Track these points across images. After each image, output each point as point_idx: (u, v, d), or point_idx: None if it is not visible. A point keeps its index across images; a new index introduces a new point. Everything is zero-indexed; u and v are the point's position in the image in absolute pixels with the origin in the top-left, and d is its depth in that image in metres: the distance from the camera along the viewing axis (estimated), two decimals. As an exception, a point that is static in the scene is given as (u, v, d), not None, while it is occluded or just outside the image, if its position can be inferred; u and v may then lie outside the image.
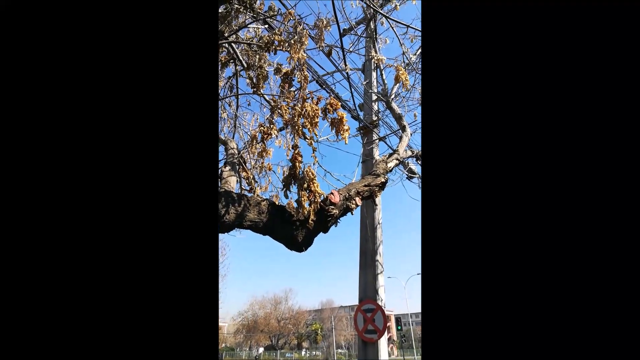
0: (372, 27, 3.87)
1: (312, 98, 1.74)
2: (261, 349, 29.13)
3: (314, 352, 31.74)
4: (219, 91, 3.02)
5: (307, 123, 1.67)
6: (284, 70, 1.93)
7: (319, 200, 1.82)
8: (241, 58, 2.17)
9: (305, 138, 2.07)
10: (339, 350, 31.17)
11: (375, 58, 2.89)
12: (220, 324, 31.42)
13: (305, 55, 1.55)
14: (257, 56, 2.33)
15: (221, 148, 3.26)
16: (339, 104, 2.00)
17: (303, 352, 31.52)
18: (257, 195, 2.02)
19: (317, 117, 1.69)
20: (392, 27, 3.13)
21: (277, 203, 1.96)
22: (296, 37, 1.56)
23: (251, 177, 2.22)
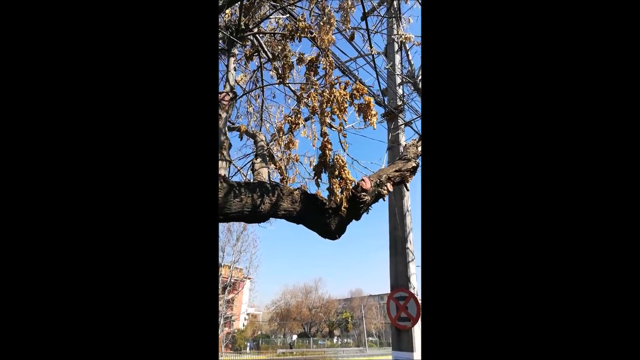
0: (396, 5, 3.70)
1: (340, 83, 1.71)
2: (295, 336, 30.14)
3: (345, 340, 32.28)
4: (245, 85, 3.07)
5: (335, 109, 1.65)
6: (308, 58, 1.91)
7: (351, 187, 1.81)
8: (266, 49, 2.18)
9: (331, 126, 2.05)
10: (370, 339, 31.44)
11: (403, 37, 2.77)
12: (255, 312, 32.83)
13: (333, 37, 1.52)
14: (280, 46, 2.32)
15: (250, 142, 3.31)
16: (365, 89, 1.95)
17: (335, 340, 32.18)
18: (287, 185, 2.05)
19: (346, 102, 1.67)
20: (418, 1, 2.96)
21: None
22: (325, 18, 1.53)
23: (283, 167, 2.26)
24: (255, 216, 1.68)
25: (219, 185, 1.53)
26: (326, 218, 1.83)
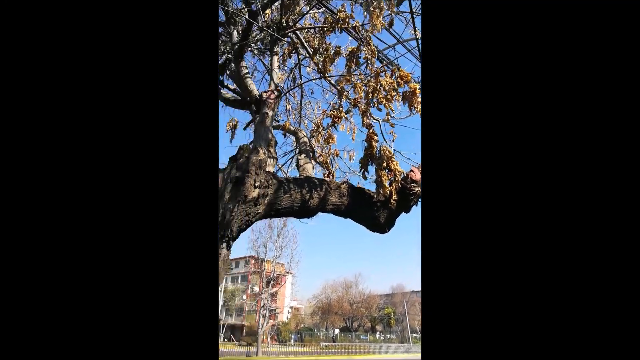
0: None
1: (385, 72, 1.65)
2: (337, 330, 30.45)
3: (388, 336, 31.83)
4: (283, 83, 3.12)
5: (382, 99, 1.59)
6: (349, 49, 1.87)
7: (400, 179, 1.74)
8: (306, 45, 2.18)
9: (373, 117, 1.99)
10: (414, 335, 30.61)
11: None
12: (297, 305, 33.80)
13: (384, 22, 1.47)
14: (317, 40, 2.31)
15: (289, 139, 3.37)
16: (410, 75, 1.86)
17: (377, 335, 31.91)
18: (334, 179, 2.04)
19: (393, 90, 1.60)
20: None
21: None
22: (375, 3, 1.48)
23: (328, 162, 2.26)
24: (304, 211, 1.70)
25: (270, 181, 1.57)
26: (375, 211, 1.80)
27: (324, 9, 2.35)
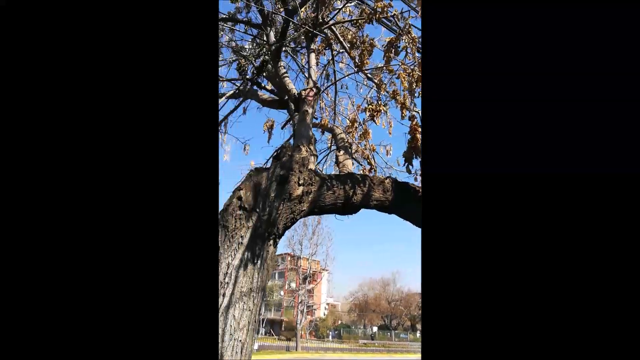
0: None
1: (429, 58, 1.56)
2: (375, 328, 30.13)
3: (430, 335, 30.73)
4: (317, 81, 3.12)
5: (427, 87, 1.51)
6: (387, 40, 1.81)
7: (447, 172, 1.65)
8: (341, 40, 2.16)
9: (414, 109, 1.90)
10: (458, 335, 29.20)
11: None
12: (334, 302, 34.01)
13: None
14: (351, 34, 2.27)
15: (323, 137, 3.36)
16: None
17: (418, 334, 31.00)
18: (376, 174, 2.00)
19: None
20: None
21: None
22: None
23: (370, 156, 2.22)
24: (348, 207, 1.68)
25: (313, 179, 1.58)
26: (421, 206, 1.72)
27: (356, 1, 2.31)
